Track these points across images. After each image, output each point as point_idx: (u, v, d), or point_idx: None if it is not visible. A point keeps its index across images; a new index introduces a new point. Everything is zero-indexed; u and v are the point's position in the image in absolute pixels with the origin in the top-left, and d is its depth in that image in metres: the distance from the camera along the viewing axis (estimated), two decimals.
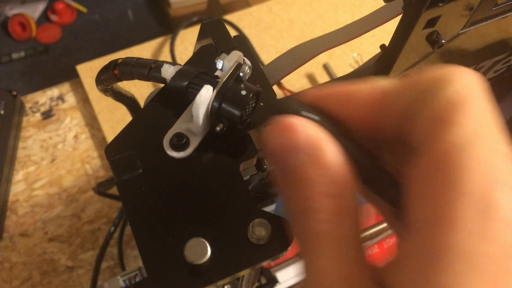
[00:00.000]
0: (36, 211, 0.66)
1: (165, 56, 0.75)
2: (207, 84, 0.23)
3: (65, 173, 0.68)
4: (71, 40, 0.83)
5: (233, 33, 0.81)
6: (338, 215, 0.16)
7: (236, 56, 0.24)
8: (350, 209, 0.16)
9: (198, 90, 0.23)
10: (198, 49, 0.28)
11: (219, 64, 0.24)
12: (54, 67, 0.78)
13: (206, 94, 0.23)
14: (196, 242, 0.21)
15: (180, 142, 0.24)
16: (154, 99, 0.26)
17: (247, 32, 0.78)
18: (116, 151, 0.24)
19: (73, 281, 0.62)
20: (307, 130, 0.17)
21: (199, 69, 0.25)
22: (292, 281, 0.47)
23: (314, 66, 0.76)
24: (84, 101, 0.73)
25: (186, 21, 0.79)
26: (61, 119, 0.71)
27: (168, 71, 0.24)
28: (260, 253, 0.22)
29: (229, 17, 0.80)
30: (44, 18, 0.84)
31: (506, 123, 0.55)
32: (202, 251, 0.21)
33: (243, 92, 0.23)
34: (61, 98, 0.73)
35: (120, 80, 0.26)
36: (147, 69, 0.25)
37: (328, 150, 0.16)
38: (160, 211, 0.23)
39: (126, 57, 0.25)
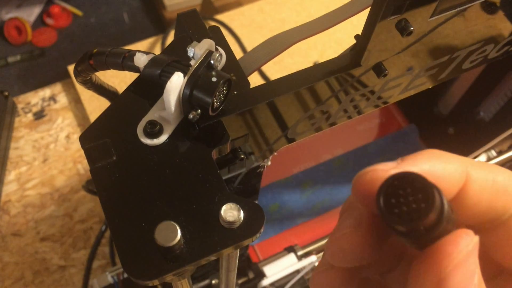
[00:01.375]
0: (28, 211, 0.66)
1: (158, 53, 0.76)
2: (179, 71, 0.24)
3: (57, 173, 0.68)
4: (67, 43, 0.83)
5: (224, 33, 0.81)
6: None
7: (207, 44, 0.24)
8: None
9: (170, 78, 0.23)
10: (173, 40, 0.28)
11: (191, 52, 0.24)
12: (50, 70, 0.79)
13: (176, 81, 0.23)
14: (166, 225, 0.22)
15: (153, 129, 0.24)
16: (130, 88, 0.27)
17: (239, 32, 0.78)
18: (90, 139, 0.25)
19: (65, 280, 0.62)
20: None
21: (172, 57, 0.25)
22: (279, 275, 0.47)
23: (305, 64, 0.77)
24: (76, 101, 0.73)
25: None
26: (53, 119, 0.72)
27: (140, 60, 0.25)
28: (231, 237, 0.23)
29: (220, 17, 0.81)
30: (39, 21, 0.85)
31: (489, 121, 0.55)
32: (172, 234, 0.21)
33: (214, 79, 0.23)
34: (53, 98, 0.74)
35: (96, 70, 0.27)
36: (121, 58, 0.25)
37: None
38: (133, 197, 0.23)
39: (101, 47, 0.26)
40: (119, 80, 0.74)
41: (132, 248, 0.22)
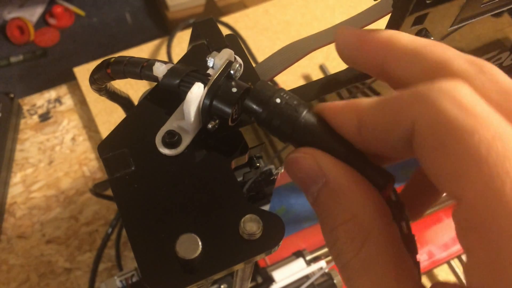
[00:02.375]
0: (33, 213, 0.66)
1: (162, 57, 0.76)
2: (198, 81, 0.24)
3: (62, 175, 0.68)
4: (70, 43, 0.83)
5: None
6: (361, 240, 0.17)
7: (227, 54, 0.24)
8: (374, 229, 0.17)
9: (190, 88, 0.23)
10: (190, 48, 0.28)
11: (210, 62, 0.24)
12: (53, 70, 0.78)
13: (197, 92, 0.23)
14: (188, 237, 0.21)
15: (172, 139, 0.24)
16: (147, 98, 0.26)
17: (244, 34, 0.78)
18: (109, 149, 0.25)
19: (71, 283, 0.62)
20: (308, 165, 0.19)
21: (191, 67, 0.25)
22: (288, 280, 0.47)
23: (311, 67, 0.77)
24: (82, 103, 0.73)
25: (183, 23, 0.79)
26: (58, 121, 0.72)
27: (159, 69, 0.24)
28: (251, 248, 0.23)
29: (225, 19, 0.80)
30: (42, 21, 0.85)
31: None
32: (193, 246, 0.21)
33: (234, 90, 0.23)
34: (58, 100, 0.73)
35: (113, 79, 0.27)
36: (139, 68, 0.25)
37: (332, 178, 0.18)
38: (153, 207, 0.23)
39: (119, 56, 0.26)
40: (124, 81, 0.73)
41: (152, 259, 0.22)
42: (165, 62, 0.25)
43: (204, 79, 0.24)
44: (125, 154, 0.24)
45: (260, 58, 0.76)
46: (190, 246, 0.21)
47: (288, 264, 0.49)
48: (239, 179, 0.31)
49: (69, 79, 0.75)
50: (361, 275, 0.16)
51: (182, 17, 0.85)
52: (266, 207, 0.42)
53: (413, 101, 0.16)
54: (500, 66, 0.32)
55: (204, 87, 0.23)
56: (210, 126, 0.24)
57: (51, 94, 0.74)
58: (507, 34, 0.31)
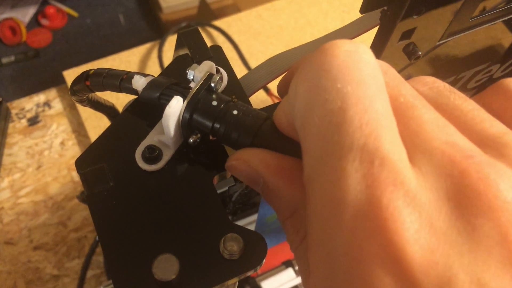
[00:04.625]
0: (21, 219, 0.65)
1: (154, 61, 0.75)
2: (178, 95, 0.23)
3: (51, 180, 0.67)
4: (62, 44, 0.82)
5: (222, 39, 0.80)
6: (305, 231, 0.18)
7: (207, 66, 0.23)
8: None
9: (170, 101, 0.23)
10: (173, 59, 0.27)
11: (190, 75, 0.23)
12: (45, 72, 0.78)
13: (176, 105, 0.22)
14: (165, 258, 0.21)
15: (152, 154, 0.24)
16: (128, 110, 0.26)
17: (236, 38, 0.77)
18: (87, 164, 0.24)
19: None
20: (244, 171, 0.20)
21: (171, 80, 0.24)
22: None
23: None
24: (71, 107, 0.72)
25: (175, 26, 0.79)
26: (47, 125, 0.71)
27: (139, 82, 0.24)
28: (232, 268, 0.22)
29: (218, 23, 0.80)
30: (34, 22, 0.84)
31: None
32: (170, 267, 0.21)
33: (214, 103, 0.23)
34: (47, 104, 0.72)
35: (93, 91, 0.26)
36: (118, 80, 0.24)
37: (268, 180, 0.19)
38: (130, 226, 0.22)
39: (98, 68, 0.25)
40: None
41: (129, 280, 0.21)
42: (145, 75, 0.24)
43: (184, 92, 0.23)
44: (103, 169, 0.24)
45: (253, 62, 0.75)
46: (168, 267, 0.20)
47: (277, 274, 0.48)
48: (224, 189, 0.31)
49: (59, 82, 0.74)
50: (305, 261, 0.17)
51: (176, 19, 0.84)
52: (254, 217, 0.41)
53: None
54: (491, 78, 0.32)
55: (184, 101, 0.23)
56: (191, 140, 0.23)
57: (40, 97, 0.73)
58: (501, 41, 0.31)
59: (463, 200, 0.13)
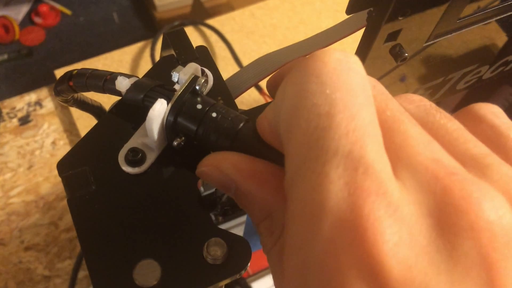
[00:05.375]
0: (12, 219, 0.64)
1: (146, 60, 0.75)
2: (162, 97, 0.23)
3: (42, 180, 0.67)
4: (56, 43, 0.82)
5: (215, 38, 0.79)
6: (278, 233, 0.18)
7: (192, 68, 0.23)
8: None
9: (154, 104, 0.22)
10: (158, 60, 0.27)
11: (175, 77, 0.23)
12: (38, 70, 0.77)
13: (159, 108, 0.22)
14: (147, 263, 0.20)
15: (135, 157, 0.23)
16: (112, 111, 0.25)
17: (230, 37, 0.77)
18: (69, 167, 0.24)
19: None
20: (215, 177, 0.20)
21: (156, 82, 0.24)
22: None
23: None
24: (62, 106, 0.72)
25: (167, 25, 0.78)
26: (38, 125, 0.70)
27: (122, 84, 0.23)
28: (215, 273, 0.22)
29: (211, 21, 0.79)
30: (27, 20, 0.83)
31: None
32: (152, 273, 0.20)
33: (199, 106, 0.22)
34: (38, 103, 0.72)
35: (76, 91, 0.26)
36: (102, 81, 0.24)
37: (240, 185, 0.19)
38: (112, 230, 0.22)
39: (82, 68, 0.25)
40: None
41: (110, 286, 0.21)
42: (128, 76, 0.24)
43: (169, 95, 0.23)
44: (85, 172, 0.23)
45: (246, 61, 0.75)
46: (149, 273, 0.20)
47: (268, 275, 0.48)
48: (212, 190, 0.30)
49: (51, 81, 0.73)
50: (278, 263, 0.17)
51: (170, 17, 0.84)
52: (243, 218, 0.41)
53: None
54: (480, 79, 0.32)
55: (168, 104, 0.22)
56: (175, 143, 0.23)
57: (31, 97, 0.72)
58: (490, 42, 0.30)
59: (445, 217, 0.13)
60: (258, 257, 0.57)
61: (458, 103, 0.57)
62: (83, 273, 0.62)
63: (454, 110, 0.59)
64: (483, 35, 0.28)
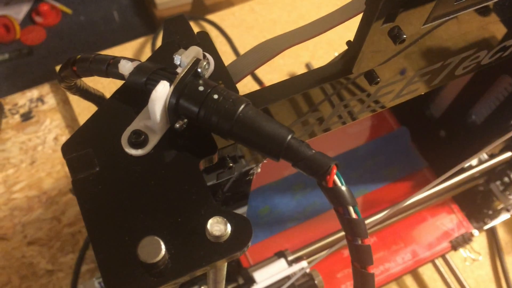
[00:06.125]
0: (15, 214, 0.65)
1: (146, 56, 0.75)
2: (165, 79, 0.23)
3: (44, 176, 0.67)
4: (56, 41, 0.82)
5: (215, 33, 0.80)
6: None
7: (194, 51, 0.23)
8: None
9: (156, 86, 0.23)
10: (160, 45, 0.27)
11: (177, 60, 0.23)
12: (39, 69, 0.77)
13: (162, 90, 0.22)
14: (150, 240, 0.21)
15: (138, 139, 0.24)
16: (115, 96, 0.26)
17: (230, 32, 0.78)
18: (73, 149, 0.24)
19: (53, 284, 0.61)
20: None
21: (158, 65, 0.24)
22: (269, 281, 0.46)
23: (297, 65, 0.76)
24: (64, 102, 0.72)
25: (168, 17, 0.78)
26: (40, 121, 0.71)
27: (125, 67, 0.24)
28: (218, 251, 0.22)
29: (211, 17, 0.80)
30: (28, 19, 0.84)
31: (481, 124, 0.55)
32: (155, 249, 0.21)
33: (201, 88, 0.23)
34: (40, 99, 0.72)
35: (80, 77, 0.26)
36: (105, 65, 0.24)
37: None
38: (116, 210, 0.23)
39: (85, 53, 0.25)
40: (108, 80, 0.73)
41: (114, 263, 0.21)
42: (131, 60, 0.24)
43: (171, 77, 0.23)
44: (89, 154, 0.24)
45: None
46: (152, 249, 0.21)
47: (270, 265, 0.48)
48: (213, 182, 0.31)
49: (52, 78, 0.74)
50: None
51: (170, 15, 0.84)
52: (244, 208, 0.41)
53: None
54: (478, 65, 0.32)
55: (170, 86, 0.23)
56: (177, 125, 0.24)
57: (33, 93, 0.73)
58: (488, 26, 0.31)
59: None
60: (260, 248, 0.57)
61: (458, 94, 0.58)
62: (86, 267, 0.62)
63: (452, 103, 0.59)
64: (481, 20, 0.28)
